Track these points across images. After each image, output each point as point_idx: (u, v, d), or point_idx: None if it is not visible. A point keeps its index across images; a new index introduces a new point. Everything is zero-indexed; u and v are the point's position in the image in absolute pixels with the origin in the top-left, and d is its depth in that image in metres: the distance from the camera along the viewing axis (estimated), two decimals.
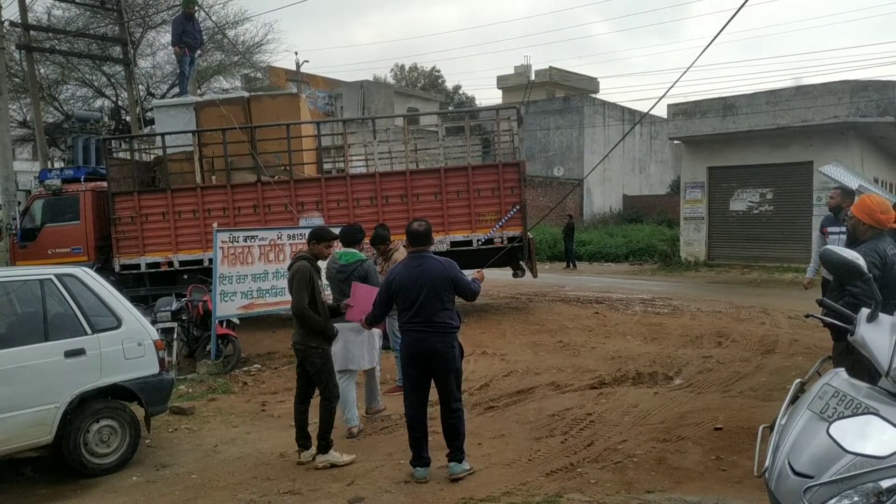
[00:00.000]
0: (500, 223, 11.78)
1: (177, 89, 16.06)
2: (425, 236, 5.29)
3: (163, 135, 12.11)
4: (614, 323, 11.22)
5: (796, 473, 2.39)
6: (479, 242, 11.83)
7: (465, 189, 11.85)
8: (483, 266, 13.87)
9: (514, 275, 12.92)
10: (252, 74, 27.58)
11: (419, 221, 5.36)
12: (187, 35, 13.89)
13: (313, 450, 5.59)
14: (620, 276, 20.03)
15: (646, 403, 6.73)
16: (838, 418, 2.32)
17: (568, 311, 12.59)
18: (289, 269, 5.77)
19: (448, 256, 11.60)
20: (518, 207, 11.86)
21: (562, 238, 24.17)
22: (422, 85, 55.01)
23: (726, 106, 20.11)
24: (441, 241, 11.71)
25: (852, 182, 8.77)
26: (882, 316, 2.62)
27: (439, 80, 57.78)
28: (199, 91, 18.82)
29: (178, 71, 14.72)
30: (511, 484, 4.92)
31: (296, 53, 40.96)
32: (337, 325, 5.81)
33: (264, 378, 8.78)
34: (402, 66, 58.84)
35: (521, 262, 12.56)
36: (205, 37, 17.92)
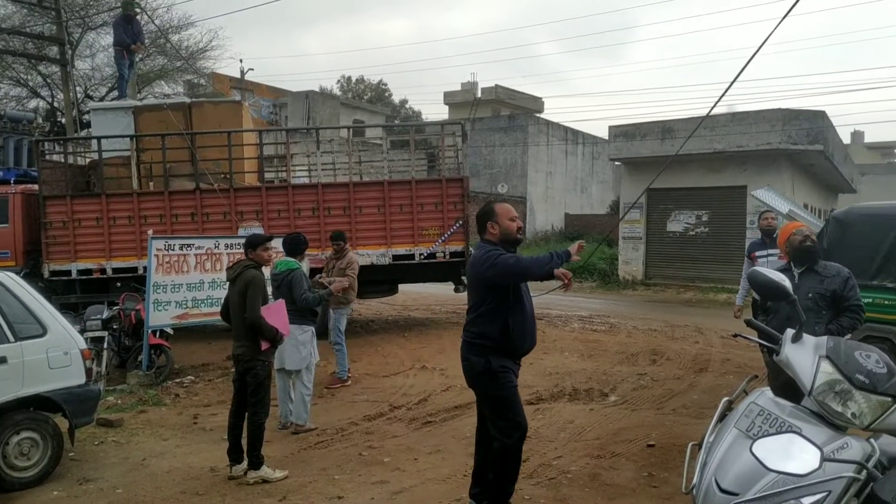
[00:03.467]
0: (444, 238, 11.80)
1: (116, 92, 15.67)
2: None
3: (99, 138, 11.78)
4: (552, 339, 11.33)
5: (722, 491, 2.44)
6: (422, 256, 11.83)
7: (409, 203, 11.84)
8: (424, 280, 13.96)
9: (456, 289, 12.93)
10: (195, 80, 27.11)
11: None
12: (127, 37, 13.58)
13: (245, 464, 5.47)
14: (559, 293, 20.23)
15: (581, 420, 6.80)
16: (762, 436, 2.38)
17: None
18: (232, 278, 5.63)
19: (390, 270, 11.77)
20: (461, 222, 11.90)
21: None
22: (368, 97, 54.92)
23: (665, 129, 20.63)
24: (383, 255, 11.69)
25: (783, 207, 9.12)
26: (806, 336, 2.70)
27: (386, 94, 57.82)
28: (138, 95, 18.37)
29: (118, 74, 14.37)
30: (446, 499, 4.90)
31: (241, 61, 40.28)
32: None
33: (197, 390, 8.58)
34: (350, 78, 58.74)
35: (463, 277, 12.58)
36: (146, 40, 17.55)
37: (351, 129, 14.56)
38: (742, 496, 2.36)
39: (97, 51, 23.12)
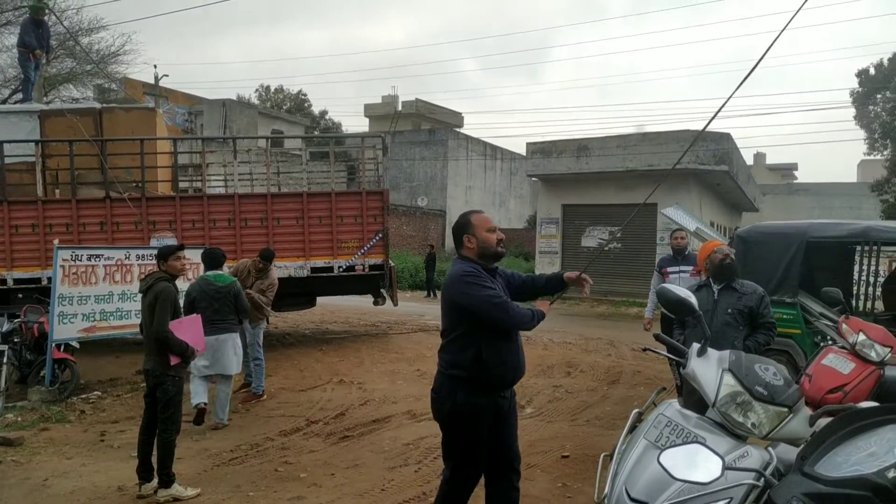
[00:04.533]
0: (363, 251, 11.76)
1: (20, 95, 14.98)
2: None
3: (1, 142, 11.22)
4: None
5: (632, 500, 2.52)
6: (341, 269, 11.75)
7: (328, 215, 11.75)
8: (342, 293, 13.86)
9: (375, 303, 12.90)
10: (106, 85, 26.17)
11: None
12: (32, 37, 12.99)
13: (155, 482, 5.30)
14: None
15: None
16: (669, 446, 2.48)
17: (427, 340, 12.70)
18: (143, 290, 5.48)
19: (308, 282, 11.63)
20: (381, 235, 11.89)
21: (423, 267, 24.42)
22: (287, 107, 54.20)
23: (580, 147, 21.20)
24: (301, 267, 11.55)
25: (690, 224, 9.48)
26: (710, 351, 2.84)
27: (306, 104, 57.18)
28: (45, 99, 17.60)
29: (23, 76, 13.74)
30: None
31: (154, 66, 39.21)
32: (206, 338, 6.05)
33: (104, 406, 8.25)
34: (268, 87, 57.86)
35: (382, 290, 12.57)
36: (54, 42, 16.84)
37: (269, 139, 14.37)
38: None
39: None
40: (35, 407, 7.95)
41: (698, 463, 2.33)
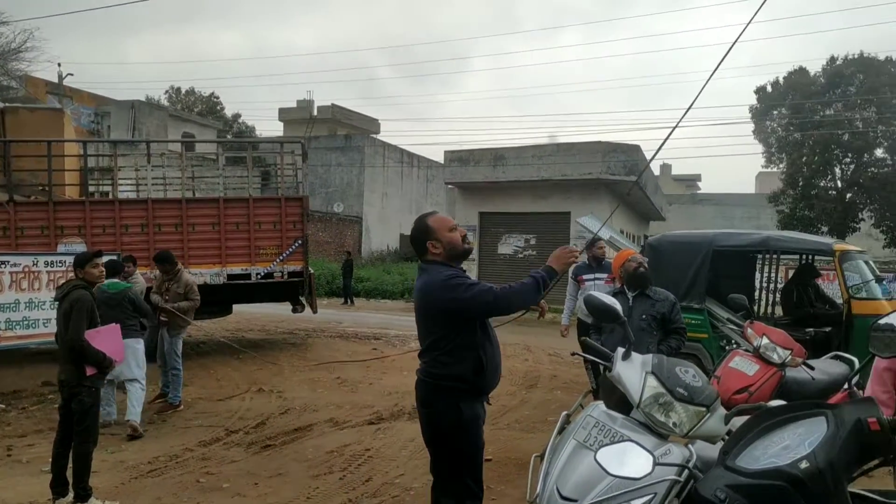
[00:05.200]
0: (282, 257, 11.63)
1: None
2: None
3: None
4: (391, 359, 11.46)
5: (563, 498, 2.64)
6: (259, 276, 11.58)
7: (246, 221, 11.57)
8: (260, 301, 13.65)
9: (294, 310, 12.77)
10: (5, 83, 24.91)
11: None
12: None
13: (70, 497, 5.12)
14: (397, 313, 20.49)
15: (421, 438, 6.94)
16: (600, 446, 2.62)
17: (346, 347, 12.67)
18: (59, 298, 5.29)
19: (224, 290, 11.41)
20: (300, 242, 11.80)
21: (340, 274, 24.27)
22: (199, 110, 52.86)
23: (497, 156, 21.58)
24: (218, 274, 11.32)
25: (604, 233, 9.84)
26: (634, 355, 3.00)
27: (218, 107, 55.94)
28: None
29: None
30: None
31: (59, 65, 37.45)
32: None
33: (9, 420, 7.87)
34: (179, 89, 56.29)
35: (301, 298, 12.45)
36: None
37: (184, 143, 14.04)
38: (580, 502, 2.58)
39: None
40: None
41: (630, 459, 2.47)
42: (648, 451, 2.48)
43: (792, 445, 1.89)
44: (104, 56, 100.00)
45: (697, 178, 65.52)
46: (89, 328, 5.22)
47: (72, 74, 36.09)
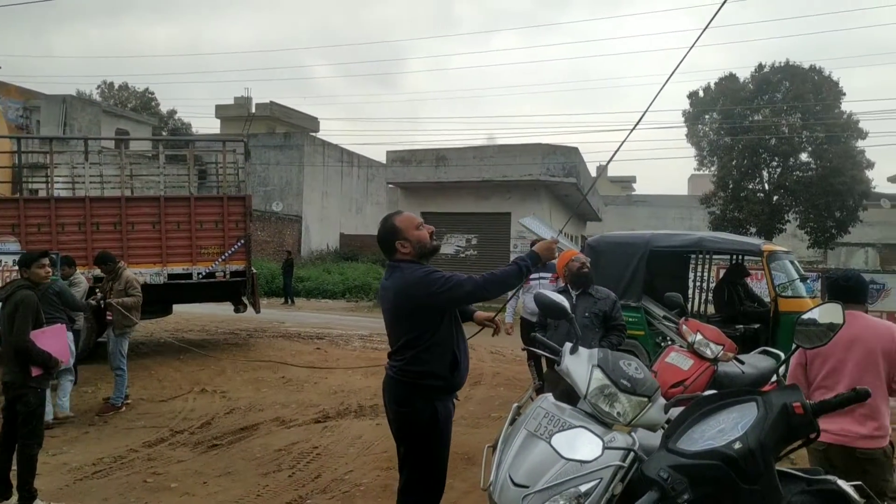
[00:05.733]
0: (224, 257, 11.54)
1: None
2: None
3: None
4: (335, 358, 11.51)
5: (516, 485, 2.80)
6: (200, 276, 11.46)
7: (187, 220, 11.44)
8: (202, 301, 13.50)
9: (236, 310, 12.67)
10: None
11: None
12: None
13: (14, 499, 5.05)
14: (339, 313, 20.47)
15: (369, 434, 7.05)
16: (551, 434, 2.79)
17: (290, 346, 12.64)
18: (3, 298, 5.21)
19: (165, 289, 11.26)
20: (243, 241, 11.72)
21: (280, 273, 24.07)
22: (133, 106, 51.54)
23: (439, 157, 21.76)
24: (158, 274, 11.17)
25: (547, 234, 10.08)
26: (581, 349, 3.18)
27: (153, 103, 54.63)
28: None
29: None
30: None
31: None
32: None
33: None
34: (112, 84, 54.77)
35: (243, 298, 12.37)
36: None
37: (123, 141, 13.76)
38: (532, 488, 2.74)
39: None
40: None
41: (582, 443, 2.65)
42: (598, 436, 2.66)
43: (727, 428, 2.08)
44: (31, 48, 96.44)
45: (632, 179, 67.06)
46: (35, 328, 5.17)
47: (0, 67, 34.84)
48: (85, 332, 9.89)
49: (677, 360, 5.98)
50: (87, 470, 6.04)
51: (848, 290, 3.95)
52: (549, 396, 3.13)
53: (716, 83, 30.91)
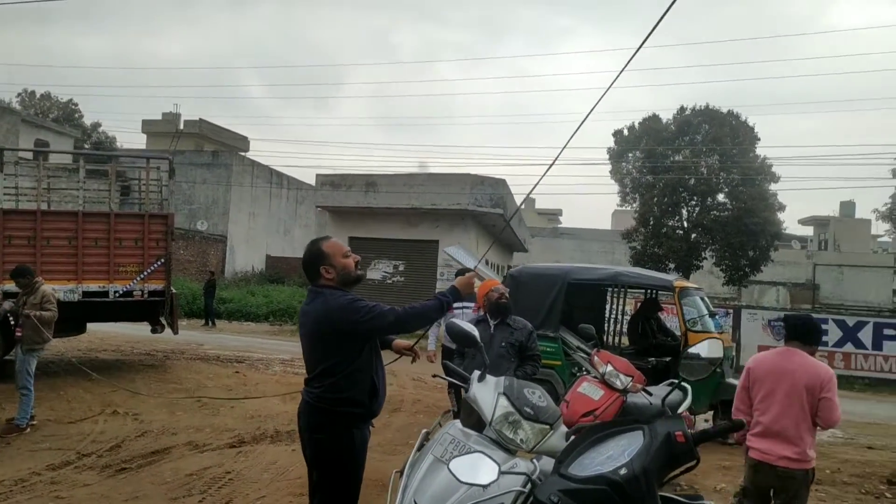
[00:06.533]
0: (143, 275, 11.29)
1: None
2: None
3: None
4: (254, 382, 11.35)
5: None
6: (117, 294, 11.17)
7: (106, 237, 11.16)
8: (118, 320, 13.12)
9: (153, 330, 12.36)
10: None
11: None
12: None
13: None
14: (261, 336, 20.16)
15: (284, 460, 7.00)
16: (456, 456, 2.88)
17: (207, 369, 12.40)
18: None
19: (79, 307, 10.92)
20: (163, 260, 11.51)
21: (202, 294, 23.57)
22: (55, 116, 49.90)
23: (369, 183, 21.84)
24: (72, 291, 10.84)
25: (470, 263, 10.23)
26: (489, 377, 3.30)
27: (76, 115, 53.00)
28: None
29: None
30: None
31: None
32: None
33: None
34: (32, 93, 52.96)
35: (161, 318, 12.10)
36: None
37: (41, 153, 13.35)
38: None
39: None
40: None
41: (480, 468, 2.76)
42: (495, 461, 2.77)
43: (615, 455, 2.22)
44: None
45: (559, 212, 68.64)
46: None
47: None
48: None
49: (589, 390, 6.19)
50: None
51: (798, 330, 4.45)
52: (457, 423, 3.23)
53: (640, 123, 32.07)
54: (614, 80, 4.07)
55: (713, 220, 29.94)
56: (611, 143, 32.79)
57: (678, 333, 9.20)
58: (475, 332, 3.68)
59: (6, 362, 9.97)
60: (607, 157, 32.93)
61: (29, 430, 7.90)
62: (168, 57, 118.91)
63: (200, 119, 47.48)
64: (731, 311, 17.74)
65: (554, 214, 67.17)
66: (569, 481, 2.18)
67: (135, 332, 15.89)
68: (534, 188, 5.95)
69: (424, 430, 3.34)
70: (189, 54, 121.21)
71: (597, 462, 2.24)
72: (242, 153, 42.03)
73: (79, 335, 12.60)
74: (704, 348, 3.55)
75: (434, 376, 4.13)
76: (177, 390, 10.41)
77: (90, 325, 12.75)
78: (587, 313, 9.88)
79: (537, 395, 3.17)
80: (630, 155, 32.47)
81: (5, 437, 7.61)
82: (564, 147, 4.32)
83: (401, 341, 4.15)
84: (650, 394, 6.32)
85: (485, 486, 2.71)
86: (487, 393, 3.20)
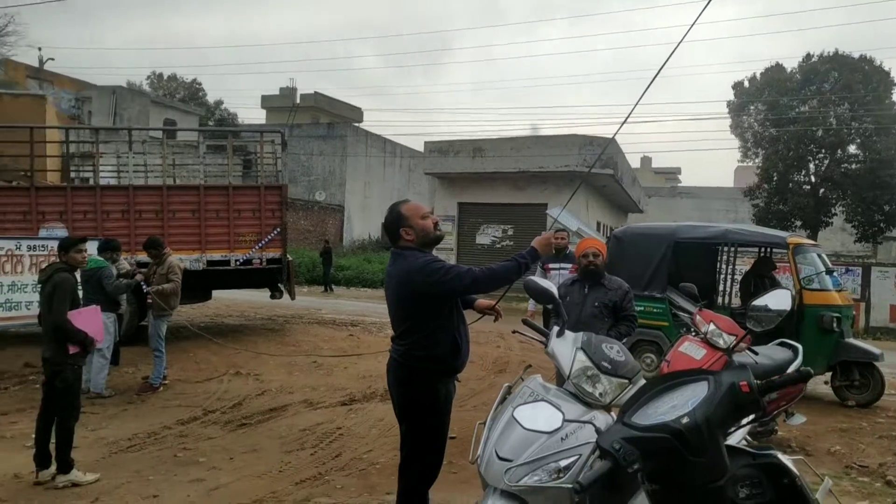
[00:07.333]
0: (261, 244, 11.89)
1: None
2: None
3: None
4: (367, 344, 11.78)
5: (500, 458, 2.97)
6: (238, 262, 11.83)
7: (226, 209, 11.80)
8: (239, 287, 13.90)
9: (272, 296, 13.03)
10: None
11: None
12: None
13: (52, 469, 5.40)
14: (376, 301, 20.77)
15: (391, 417, 7.18)
16: (521, 404, 2.96)
17: (323, 332, 12.97)
18: (42, 280, 5.56)
19: (204, 276, 11.65)
20: (279, 230, 12.05)
21: (320, 262, 24.52)
22: (181, 96, 52.71)
23: (476, 148, 21.89)
24: (197, 260, 11.55)
25: (573, 225, 10.22)
26: (567, 333, 3.34)
27: (200, 93, 55.76)
28: None
29: None
30: (262, 493, 5.17)
31: (39, 49, 37.38)
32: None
33: None
34: (160, 75, 56.08)
35: (279, 284, 12.72)
36: None
37: (165, 131, 14.21)
38: (515, 461, 2.91)
39: None
40: None
41: (544, 416, 2.82)
42: (560, 409, 2.82)
43: (678, 405, 2.22)
44: (83, 40, 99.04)
45: (677, 171, 66.18)
46: (71, 309, 5.49)
47: (52, 59, 36.12)
48: (127, 316, 10.34)
49: (690, 349, 6.07)
50: (123, 444, 6.39)
51: None
52: (538, 377, 3.29)
53: (762, 73, 30.40)
54: (690, 27, 3.92)
55: (843, 174, 28.17)
56: (730, 95, 31.32)
57: (793, 292, 8.83)
58: (553, 288, 3.71)
59: (142, 327, 10.79)
60: (727, 110, 31.48)
61: (161, 388, 8.57)
62: (284, 33, 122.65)
63: (315, 92, 48.94)
64: (858, 269, 16.70)
65: (672, 173, 64.90)
66: (631, 429, 2.20)
67: (257, 299, 16.75)
68: (617, 131, 5.81)
69: (506, 385, 3.42)
70: (304, 29, 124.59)
71: (660, 411, 2.25)
72: (356, 124, 43.01)
73: (205, 302, 13.44)
74: (772, 299, 3.41)
75: (514, 332, 4.18)
76: (294, 352, 10.96)
77: (215, 293, 13.56)
78: (696, 273, 9.60)
79: (615, 350, 3.18)
80: (752, 107, 30.90)
81: (141, 395, 8.30)
82: (645, 91, 4.15)
83: (483, 301, 4.22)
84: (755, 353, 6.14)
85: (549, 434, 2.77)
86: (566, 348, 3.24)
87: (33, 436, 5.59)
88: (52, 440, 5.45)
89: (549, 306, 5.17)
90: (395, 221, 3.80)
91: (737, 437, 2.80)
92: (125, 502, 5.02)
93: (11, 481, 5.44)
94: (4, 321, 8.81)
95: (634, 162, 44.32)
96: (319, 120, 43.81)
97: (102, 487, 5.30)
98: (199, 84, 56.49)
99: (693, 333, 6.27)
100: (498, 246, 22.19)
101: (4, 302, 8.70)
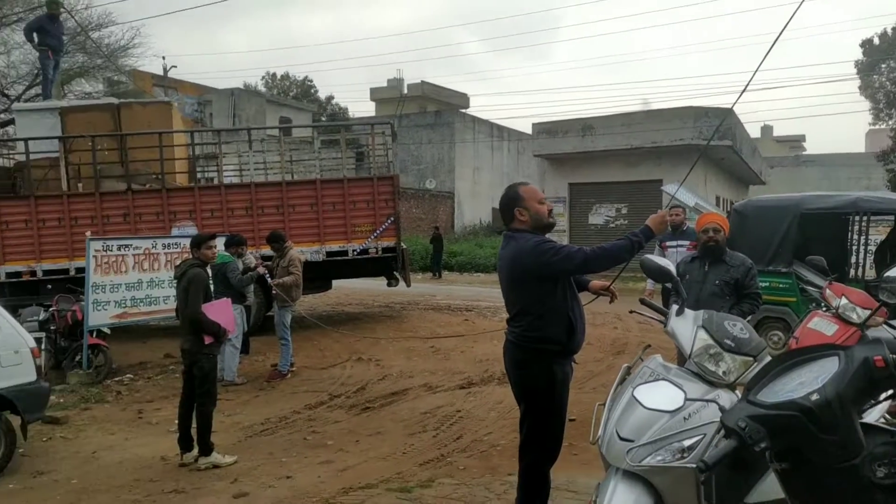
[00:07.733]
0: (376, 234, 12.19)
1: (35, 91, 15.41)
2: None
3: (26, 140, 11.68)
4: (482, 328, 11.88)
5: (622, 439, 2.95)
6: (355, 252, 12.18)
7: (341, 201, 12.16)
8: (357, 276, 14.32)
9: (389, 284, 13.34)
10: (115, 78, 26.58)
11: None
12: (50, 36, 13.40)
13: (195, 452, 5.78)
14: (489, 285, 20.88)
15: (509, 400, 7.25)
16: (641, 384, 2.93)
17: (439, 318, 13.18)
18: (178, 276, 5.95)
19: (324, 266, 12.07)
20: (392, 219, 12.31)
21: (432, 249, 24.84)
22: (294, 94, 54.56)
23: (585, 126, 21.51)
24: (317, 252, 11.97)
25: (690, 200, 9.90)
26: (687, 311, 3.26)
27: (312, 90, 57.51)
28: (62, 93, 18.05)
29: (41, 74, 14.19)
30: (388, 474, 5.35)
31: (163, 58, 39.56)
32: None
33: (138, 387, 8.76)
34: (274, 75, 58.18)
35: (395, 272, 13.01)
36: (66, 37, 17.24)
37: (282, 129, 14.77)
38: (637, 441, 2.89)
39: (12, 47, 22.44)
40: (75, 389, 8.48)
41: (665, 395, 2.78)
42: (682, 388, 2.77)
43: (807, 381, 2.13)
44: (201, 46, 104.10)
45: (802, 138, 62.57)
46: (205, 302, 5.85)
47: (175, 66, 38.15)
48: (255, 307, 10.88)
49: (821, 325, 5.78)
50: (256, 428, 6.77)
51: None
52: (658, 357, 3.24)
53: (893, 28, 28.30)
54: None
55: None
56: (859, 54, 29.34)
57: None
58: (670, 266, 3.63)
59: (268, 317, 11.32)
60: (855, 71, 29.53)
61: (289, 375, 8.98)
62: (389, 26, 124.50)
63: (422, 81, 49.40)
64: None
65: (796, 141, 61.42)
66: (757, 407, 2.14)
67: (374, 287, 17.18)
68: (737, 100, 5.56)
69: (626, 365, 3.38)
70: (408, 20, 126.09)
71: (788, 388, 2.17)
72: (463, 110, 43.19)
73: (326, 292, 13.92)
74: None
75: (631, 312, 4.11)
76: (412, 338, 11.21)
77: (335, 283, 14.02)
78: (826, 245, 9.10)
79: (738, 328, 3.08)
80: (883, 66, 28.84)
81: (270, 381, 8.73)
82: (766, 55, 3.96)
83: (597, 282, 4.17)
84: (894, 327, 5.77)
85: (671, 413, 2.73)
86: (686, 327, 3.17)
87: (176, 421, 6.02)
88: (193, 425, 5.84)
89: (668, 285, 5.07)
90: (511, 200, 3.81)
91: (875, 415, 2.67)
92: (262, 483, 5.32)
93: (159, 463, 5.88)
94: (145, 315, 9.47)
95: (754, 132, 42.30)
96: (427, 108, 44.23)
97: (240, 469, 5.63)
98: (311, 81, 58.29)
99: (823, 308, 5.97)
100: (612, 226, 21.78)
101: (144, 297, 9.35)
